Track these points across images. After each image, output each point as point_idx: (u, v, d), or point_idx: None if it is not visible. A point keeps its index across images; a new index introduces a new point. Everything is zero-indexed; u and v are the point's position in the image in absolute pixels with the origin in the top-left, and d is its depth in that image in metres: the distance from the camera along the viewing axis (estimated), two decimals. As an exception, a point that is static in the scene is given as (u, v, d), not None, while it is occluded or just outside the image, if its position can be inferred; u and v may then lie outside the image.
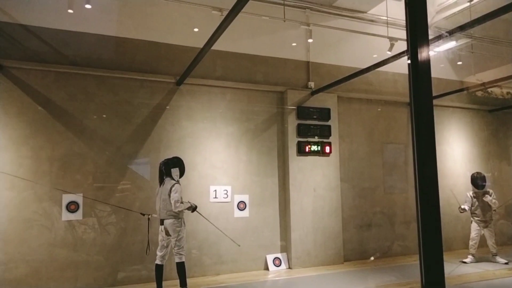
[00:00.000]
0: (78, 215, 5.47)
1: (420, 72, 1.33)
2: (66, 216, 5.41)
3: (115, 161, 5.77)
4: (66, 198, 5.41)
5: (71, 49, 5.68)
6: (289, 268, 6.57)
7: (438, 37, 5.51)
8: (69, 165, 5.50)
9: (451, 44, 6.80)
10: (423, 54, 1.31)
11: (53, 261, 5.27)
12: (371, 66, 5.98)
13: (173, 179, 4.93)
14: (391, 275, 6.01)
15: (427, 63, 1.31)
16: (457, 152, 8.51)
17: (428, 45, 1.32)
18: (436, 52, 6.95)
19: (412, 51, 1.32)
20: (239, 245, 6.10)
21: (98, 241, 5.54)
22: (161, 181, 5.03)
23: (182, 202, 4.86)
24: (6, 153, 5.22)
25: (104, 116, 5.78)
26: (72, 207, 5.45)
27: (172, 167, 4.98)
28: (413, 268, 6.51)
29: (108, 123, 5.80)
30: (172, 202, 4.74)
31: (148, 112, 6.05)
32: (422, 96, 1.34)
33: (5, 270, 5.04)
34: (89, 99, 5.72)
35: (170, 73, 6.16)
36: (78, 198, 5.47)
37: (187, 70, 5.64)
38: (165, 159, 5.10)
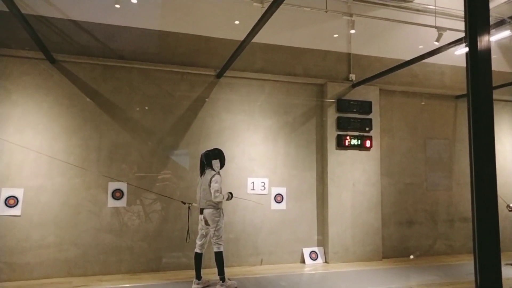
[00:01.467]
0: (122, 202, 5.72)
1: (479, 62, 1.25)
2: (112, 203, 5.67)
3: (157, 151, 5.96)
4: (112, 185, 5.67)
5: (117, 43, 5.90)
6: (326, 262, 6.53)
7: (499, 23, 5.13)
8: (115, 154, 5.76)
9: (506, 33, 6.36)
10: (483, 42, 1.22)
11: (99, 245, 5.56)
12: (418, 57, 5.75)
13: (214, 170, 5.02)
14: (432, 274, 5.81)
15: (487, 52, 1.23)
16: (508, 149, 8.02)
17: (489, 32, 1.23)
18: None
19: (471, 39, 1.24)
20: (263, 204, 6.19)
21: (141, 228, 5.77)
22: (202, 172, 5.14)
23: (221, 193, 4.94)
24: (58, 142, 5.54)
25: (147, 108, 5.97)
26: (117, 194, 5.71)
27: (213, 158, 5.07)
28: (456, 268, 6.26)
29: (151, 115, 5.99)
30: (212, 191, 4.83)
31: (188, 104, 6.18)
32: (481, 89, 1.26)
33: (56, 251, 5.38)
34: (133, 92, 5.93)
35: (210, 66, 6.25)
36: (123, 186, 5.71)
37: (227, 62, 5.69)
38: (206, 151, 5.19)
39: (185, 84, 6.18)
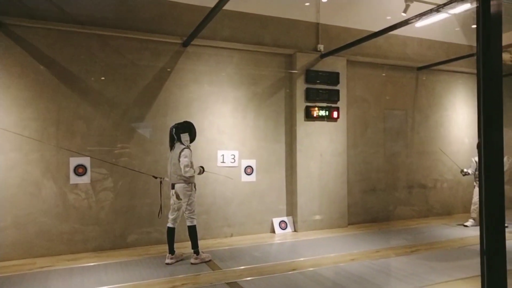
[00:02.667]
0: (86, 178, 5.43)
1: (491, 25, 1.24)
2: (75, 179, 5.36)
3: (121, 124, 5.66)
4: (74, 161, 5.34)
5: (73, 6, 5.39)
6: (295, 231, 6.69)
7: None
8: (76, 127, 5.39)
9: (466, 6, 6.56)
10: (495, 6, 1.20)
11: (62, 224, 5.28)
12: (385, 29, 5.80)
13: (183, 144, 4.85)
14: (396, 238, 6.14)
15: (499, 15, 1.21)
16: (462, 118, 8.49)
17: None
18: (450, 14, 6.73)
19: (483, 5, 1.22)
20: (232, 179, 6.19)
21: (107, 204, 5.54)
22: (172, 146, 4.96)
23: (192, 167, 4.82)
24: (10, 115, 5.08)
25: (109, 78, 5.60)
26: (80, 170, 5.40)
27: (182, 132, 4.88)
28: (416, 231, 6.67)
29: (114, 85, 5.63)
30: (182, 166, 4.70)
31: (154, 74, 5.87)
32: (492, 54, 1.25)
33: (15, 231, 5.05)
34: (93, 60, 5.52)
35: (176, 34, 5.93)
36: (86, 161, 5.40)
37: (195, 30, 5.42)
38: (175, 124, 4.99)
39: (149, 52, 5.84)
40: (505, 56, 8.46)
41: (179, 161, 4.75)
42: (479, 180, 1.31)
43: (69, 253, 5.27)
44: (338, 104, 6.96)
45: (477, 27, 1.29)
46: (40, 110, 5.21)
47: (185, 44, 5.94)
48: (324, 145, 6.88)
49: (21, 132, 5.08)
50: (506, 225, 6.40)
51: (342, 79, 7.01)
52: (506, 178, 8.48)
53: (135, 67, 5.75)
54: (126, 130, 5.69)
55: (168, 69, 5.94)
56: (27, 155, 5.14)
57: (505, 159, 6.88)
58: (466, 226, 7.00)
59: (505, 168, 6.98)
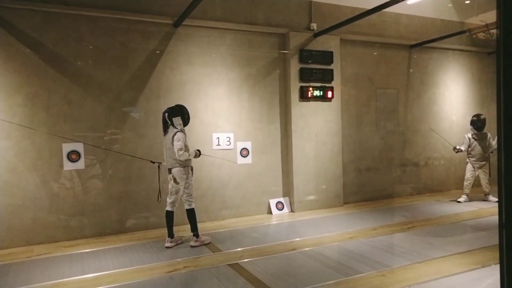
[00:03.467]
0: (80, 164, 5.34)
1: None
2: (69, 165, 5.27)
3: (114, 108, 5.54)
4: (67, 147, 5.24)
5: (58, -14, 5.18)
6: (292, 211, 6.73)
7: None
8: (67, 113, 5.26)
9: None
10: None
11: (58, 211, 5.21)
12: (378, 6, 5.73)
13: (176, 128, 4.77)
14: (392, 216, 6.23)
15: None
16: (454, 95, 8.54)
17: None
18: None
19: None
20: (236, 163, 6.21)
21: (103, 190, 5.47)
22: (165, 131, 4.88)
23: (187, 150, 4.75)
24: (-2, 102, 4.92)
25: (99, 61, 5.44)
26: (73, 156, 5.30)
27: (174, 116, 4.78)
28: (411, 208, 6.77)
29: (104, 68, 5.48)
30: (176, 150, 4.63)
31: (145, 56, 5.72)
32: None
33: (10, 219, 4.97)
34: (82, 43, 5.34)
35: (166, 14, 5.76)
36: (79, 146, 5.30)
37: (186, 10, 5.26)
38: (167, 108, 4.88)
39: (139, 34, 5.67)
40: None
41: (173, 145, 4.69)
42: (498, 157, 1.29)
43: (66, 239, 5.23)
44: (332, 84, 6.92)
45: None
46: (29, 96, 5.06)
47: (176, 24, 5.78)
48: (319, 125, 6.86)
49: (10, 119, 4.93)
50: (497, 200, 6.51)
51: (336, 58, 6.94)
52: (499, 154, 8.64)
53: (125, 50, 5.59)
54: (119, 114, 5.57)
55: (160, 51, 5.79)
56: (19, 142, 5.02)
57: (495, 142, 6.97)
58: (459, 202, 7.13)
59: (495, 147, 7.09)
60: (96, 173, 5.44)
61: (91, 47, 5.38)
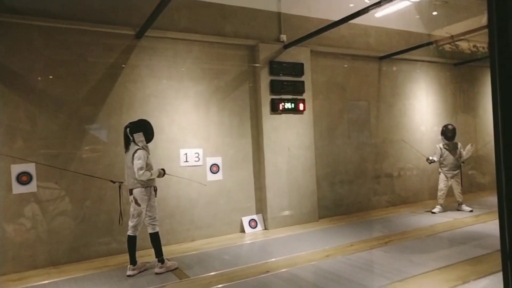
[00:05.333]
0: (31, 187, 4.86)
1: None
2: (18, 188, 4.78)
3: (71, 125, 5.12)
4: (16, 168, 4.76)
5: (6, -6, 4.79)
6: (265, 229, 6.43)
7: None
8: (16, 131, 4.80)
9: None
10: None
11: (5, 240, 4.69)
12: (346, 17, 5.65)
13: (137, 145, 4.41)
14: (368, 230, 6.05)
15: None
16: (424, 106, 8.60)
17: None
18: (411, 2, 6.72)
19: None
20: (206, 185, 5.84)
21: (58, 214, 5.00)
22: (127, 147, 4.51)
23: (149, 169, 4.39)
24: None
25: (55, 75, 5.04)
26: (24, 178, 4.82)
27: (135, 131, 4.43)
28: (386, 221, 6.63)
29: (60, 82, 5.08)
30: (136, 170, 4.27)
31: (105, 70, 5.37)
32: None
33: (-50, 252, 4.42)
34: (35, 55, 4.93)
35: (128, 24, 5.45)
36: (30, 167, 4.83)
37: (149, 19, 4.97)
38: (129, 123, 4.53)
39: (100, 46, 5.32)
40: (464, 44, 8.64)
41: (133, 164, 4.32)
42: (496, 177, 1.08)
43: (13, 272, 4.68)
44: (304, 96, 6.77)
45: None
46: (-27, 113, 4.58)
47: (139, 35, 5.48)
48: (291, 138, 6.66)
49: (-50, 139, 4.44)
50: (471, 209, 6.45)
51: (307, 70, 6.81)
52: (471, 164, 8.69)
53: (84, 63, 5.22)
54: (77, 131, 5.16)
55: (121, 64, 5.45)
56: (-40, 164, 4.51)
57: (468, 146, 7.00)
58: (433, 212, 7.06)
59: (469, 154, 7.10)
60: (50, 196, 4.97)
61: (46, 60, 4.97)
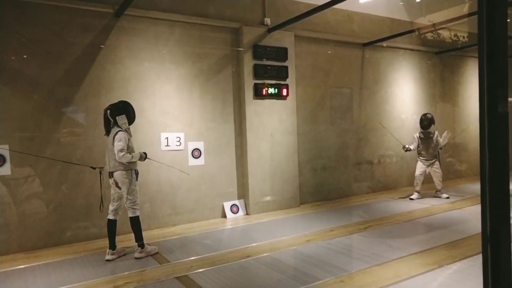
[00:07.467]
0: (5, 170, 4.69)
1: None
2: (-9, 172, 4.61)
3: (47, 106, 4.94)
4: (-11, 151, 4.58)
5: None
6: (247, 214, 6.44)
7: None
8: (-11, 112, 4.59)
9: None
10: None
11: (-20, 224, 4.54)
12: (330, 1, 5.60)
13: (120, 127, 4.30)
14: (348, 216, 6.13)
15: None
16: (406, 94, 8.69)
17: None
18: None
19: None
20: (189, 174, 5.78)
21: (34, 198, 4.85)
22: (108, 130, 4.39)
23: (130, 152, 4.30)
24: None
25: (29, 54, 4.82)
26: (-3, 161, 4.64)
27: (117, 114, 4.31)
28: (366, 207, 6.73)
29: (35, 62, 4.86)
30: (116, 151, 4.17)
31: (83, 49, 5.16)
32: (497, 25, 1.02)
33: None
34: (7, 33, 4.69)
35: (107, 2, 5.24)
36: (3, 150, 4.65)
37: (128, -3, 4.79)
38: (109, 105, 4.40)
39: (77, 24, 5.10)
40: (446, 33, 8.73)
41: (114, 145, 4.22)
42: (480, 162, 1.07)
43: (-10, 257, 4.57)
44: (287, 81, 6.72)
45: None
46: None
47: (118, 14, 5.28)
48: (274, 124, 6.63)
49: None
50: (447, 196, 6.59)
51: (291, 55, 6.75)
52: (449, 152, 8.87)
53: (61, 42, 5.00)
54: (53, 113, 4.98)
55: (101, 45, 5.25)
56: None
57: (445, 133, 7.14)
58: (412, 199, 7.21)
59: (446, 141, 7.25)
60: (26, 179, 4.81)
61: (18, 38, 4.74)
